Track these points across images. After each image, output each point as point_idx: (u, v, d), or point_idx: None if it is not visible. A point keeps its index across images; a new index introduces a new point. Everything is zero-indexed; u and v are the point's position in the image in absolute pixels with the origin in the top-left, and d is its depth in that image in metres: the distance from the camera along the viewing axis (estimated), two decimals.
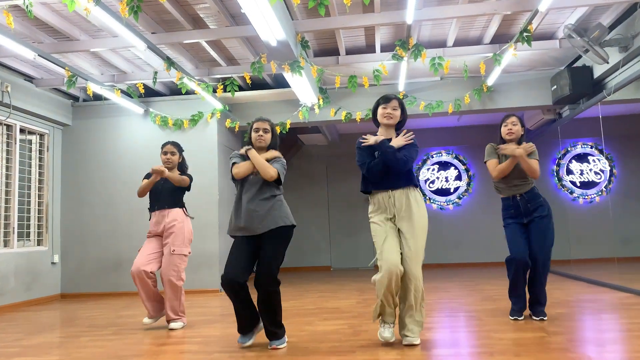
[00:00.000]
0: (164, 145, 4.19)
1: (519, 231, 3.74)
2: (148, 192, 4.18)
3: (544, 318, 3.66)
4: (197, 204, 6.42)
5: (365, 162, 3.16)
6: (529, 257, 3.67)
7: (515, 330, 3.39)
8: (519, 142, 3.78)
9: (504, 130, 3.80)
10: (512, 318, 3.76)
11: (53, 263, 6.50)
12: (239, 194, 3.25)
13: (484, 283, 6.21)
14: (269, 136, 3.32)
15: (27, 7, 3.51)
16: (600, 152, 8.99)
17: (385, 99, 3.22)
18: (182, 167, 4.29)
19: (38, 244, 6.36)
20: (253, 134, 3.30)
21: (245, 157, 3.26)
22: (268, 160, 3.23)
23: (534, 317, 3.70)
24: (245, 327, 3.24)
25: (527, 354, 2.78)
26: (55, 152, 6.70)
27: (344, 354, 2.95)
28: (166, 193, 4.16)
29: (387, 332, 3.09)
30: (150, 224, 4.17)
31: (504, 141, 3.82)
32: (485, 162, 3.87)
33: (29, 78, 6.06)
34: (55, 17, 4.65)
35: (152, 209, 4.18)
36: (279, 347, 3.14)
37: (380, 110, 3.23)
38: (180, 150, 4.23)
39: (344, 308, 4.71)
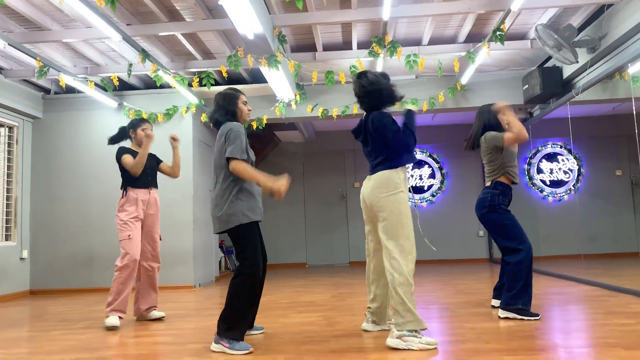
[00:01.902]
0: (140, 122, 4.10)
1: None
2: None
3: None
4: (172, 200, 6.40)
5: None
6: None
7: (485, 321, 3.47)
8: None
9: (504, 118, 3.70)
10: (537, 317, 3.46)
11: (22, 259, 6.35)
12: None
13: (457, 279, 6.32)
14: None
15: None
16: (569, 151, 9.24)
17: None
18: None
19: (6, 239, 6.21)
20: (244, 107, 3.15)
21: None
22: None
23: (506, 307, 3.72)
24: (248, 325, 3.07)
25: (496, 341, 2.85)
26: (25, 145, 6.55)
27: (318, 343, 2.98)
28: (152, 170, 4.14)
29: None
30: (129, 203, 3.95)
31: (500, 125, 3.75)
32: (503, 141, 3.59)
33: None
34: (26, 6, 4.55)
35: (135, 186, 3.99)
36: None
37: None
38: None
39: (318, 302, 4.74)
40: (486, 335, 3.02)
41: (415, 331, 2.76)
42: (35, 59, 5.00)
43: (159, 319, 4.08)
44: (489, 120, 3.79)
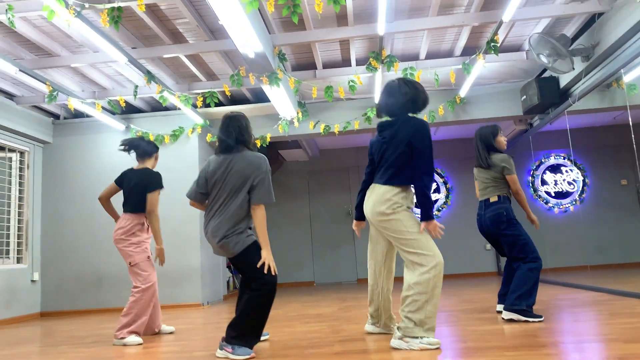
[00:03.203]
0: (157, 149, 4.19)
1: None
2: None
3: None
4: (179, 219, 6.50)
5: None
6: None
7: (489, 324, 3.50)
8: None
9: (502, 139, 3.97)
10: (541, 319, 3.51)
11: (33, 281, 6.44)
12: None
13: (463, 290, 6.32)
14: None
15: (9, 19, 3.60)
16: (573, 162, 9.28)
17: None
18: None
19: (18, 262, 6.32)
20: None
21: None
22: None
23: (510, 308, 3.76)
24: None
25: (497, 340, 2.88)
26: (35, 169, 6.71)
27: (322, 347, 3.02)
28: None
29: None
30: (139, 227, 3.94)
31: (496, 150, 3.97)
32: (512, 178, 3.85)
33: (10, 95, 6.11)
34: (36, 33, 4.74)
35: (140, 210, 3.95)
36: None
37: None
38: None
39: (325, 314, 4.77)
40: (488, 335, 3.05)
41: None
42: (45, 83, 5.18)
43: (172, 333, 4.13)
44: (491, 142, 3.98)
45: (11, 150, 6.36)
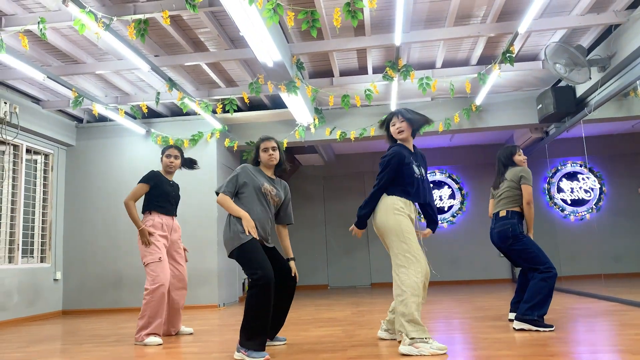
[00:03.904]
0: (167, 149, 4.23)
1: None
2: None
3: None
4: (197, 222, 6.65)
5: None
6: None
7: (500, 332, 3.55)
8: None
9: (520, 159, 4.06)
10: (552, 329, 3.56)
11: (55, 280, 6.64)
12: (259, 205, 3.31)
13: (477, 297, 6.36)
14: (277, 154, 3.44)
15: (41, 30, 3.77)
16: (590, 170, 9.23)
17: (387, 119, 3.38)
18: (190, 164, 4.36)
19: (41, 261, 6.52)
20: (263, 154, 3.41)
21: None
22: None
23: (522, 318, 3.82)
24: (267, 335, 3.20)
25: (507, 348, 2.95)
26: (59, 171, 6.92)
27: (336, 352, 3.11)
28: (177, 199, 4.29)
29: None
30: (156, 223, 4.06)
31: (515, 164, 4.06)
32: (527, 189, 3.90)
33: (36, 100, 6.33)
34: (63, 42, 4.93)
35: (162, 212, 4.12)
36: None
37: (392, 129, 3.32)
38: (182, 155, 4.31)
39: (339, 318, 4.86)
40: (499, 344, 3.11)
41: (426, 338, 2.88)
42: (71, 89, 5.36)
43: (191, 334, 4.25)
44: (510, 162, 4.09)
45: (36, 152, 6.58)
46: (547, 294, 3.66)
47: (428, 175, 9.75)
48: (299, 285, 9.34)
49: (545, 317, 3.74)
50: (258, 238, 3.22)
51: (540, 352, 2.79)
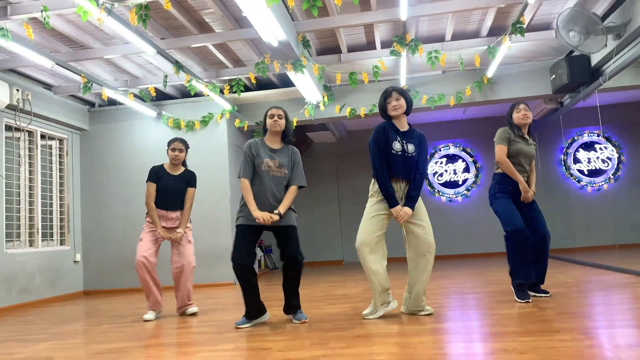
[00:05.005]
0: (172, 142, 4.32)
1: (513, 204, 3.85)
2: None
3: (548, 294, 3.87)
4: (210, 201, 6.72)
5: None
6: (537, 233, 3.83)
7: (509, 308, 3.57)
8: (528, 129, 4.02)
9: (517, 115, 3.95)
10: (525, 301, 3.66)
11: (75, 262, 6.82)
12: (260, 185, 3.49)
13: (490, 271, 6.36)
14: (283, 122, 3.59)
15: (44, 19, 3.79)
16: (607, 139, 9.05)
17: (386, 94, 3.50)
18: (184, 164, 4.46)
19: (61, 244, 6.69)
20: (268, 120, 3.58)
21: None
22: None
23: (541, 295, 3.85)
24: (256, 308, 3.57)
25: (514, 325, 2.96)
26: (74, 156, 7.03)
27: (345, 330, 3.16)
28: (180, 194, 4.33)
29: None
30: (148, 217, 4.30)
31: (513, 127, 3.98)
32: (497, 144, 3.92)
33: (48, 86, 6.39)
34: (70, 27, 4.94)
35: (158, 206, 4.26)
36: (306, 320, 3.53)
37: (388, 106, 3.49)
38: (187, 147, 4.38)
39: (351, 295, 4.92)
40: (507, 320, 3.13)
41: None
42: (80, 75, 5.40)
43: (194, 314, 4.31)
44: (509, 119, 4.09)
45: (51, 138, 6.68)
46: (516, 257, 3.70)
47: (441, 149, 9.61)
48: (315, 261, 9.45)
49: (556, 290, 3.74)
50: (263, 223, 3.40)
51: (545, 328, 2.80)
